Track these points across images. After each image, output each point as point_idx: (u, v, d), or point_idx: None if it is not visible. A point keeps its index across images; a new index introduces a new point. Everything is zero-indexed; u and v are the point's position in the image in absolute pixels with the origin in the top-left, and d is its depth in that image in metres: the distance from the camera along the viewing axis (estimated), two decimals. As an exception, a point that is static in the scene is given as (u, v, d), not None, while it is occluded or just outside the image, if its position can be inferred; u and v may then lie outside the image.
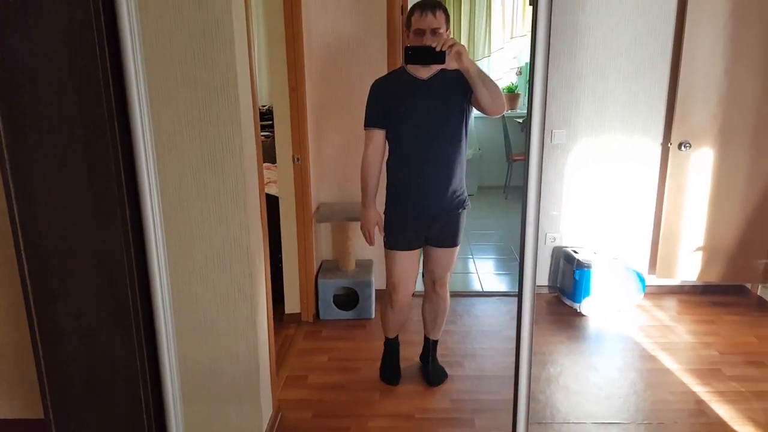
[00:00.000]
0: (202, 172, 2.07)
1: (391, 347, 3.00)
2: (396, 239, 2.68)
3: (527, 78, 7.01)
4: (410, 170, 2.57)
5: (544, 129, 1.17)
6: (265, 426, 2.47)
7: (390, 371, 2.98)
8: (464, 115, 2.54)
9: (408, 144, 2.54)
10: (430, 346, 3.01)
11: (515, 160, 6.58)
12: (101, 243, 1.59)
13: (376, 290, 3.70)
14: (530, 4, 5.72)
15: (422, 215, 2.63)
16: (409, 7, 2.59)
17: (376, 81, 2.62)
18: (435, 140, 2.51)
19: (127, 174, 1.57)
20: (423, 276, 2.94)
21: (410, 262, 2.72)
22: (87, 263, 1.62)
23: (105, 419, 1.67)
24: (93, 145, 1.53)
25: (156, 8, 1.90)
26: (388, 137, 2.60)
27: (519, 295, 1.23)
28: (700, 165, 3.63)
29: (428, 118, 2.50)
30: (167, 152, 2.03)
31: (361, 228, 2.74)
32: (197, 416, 2.39)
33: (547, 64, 1.11)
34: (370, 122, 2.59)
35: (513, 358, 3.23)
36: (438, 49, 2.26)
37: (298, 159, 3.42)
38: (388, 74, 2.72)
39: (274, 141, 3.53)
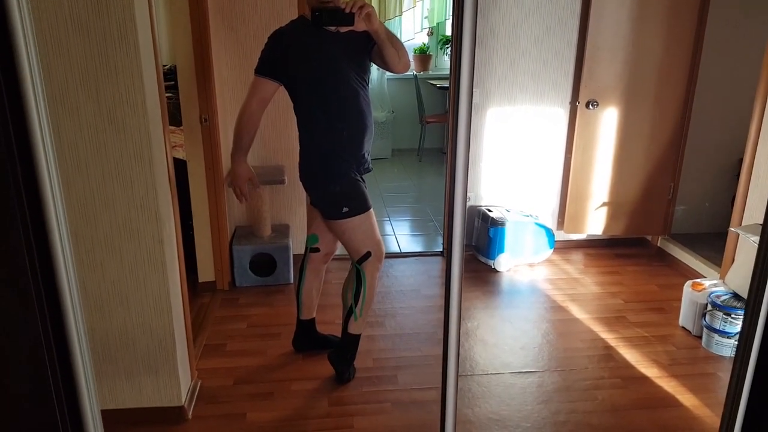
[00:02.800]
0: (101, 129, 1.90)
1: None
2: (365, 197, 2.50)
3: (438, 38, 7.02)
4: (349, 126, 2.43)
5: (471, 96, 1.13)
6: (184, 396, 2.38)
7: None
8: (369, 68, 2.53)
9: (339, 98, 2.40)
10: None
11: (428, 123, 6.61)
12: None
13: (293, 255, 3.62)
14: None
15: (367, 169, 2.55)
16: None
17: (277, 31, 2.42)
18: (359, 93, 2.43)
19: (16, 131, 1.39)
20: (306, 251, 2.75)
21: None
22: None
23: (6, 399, 1.52)
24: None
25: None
26: (306, 94, 2.42)
27: (448, 259, 1.20)
28: (606, 123, 3.78)
29: (350, 70, 2.41)
30: (59, 107, 1.84)
31: (232, 184, 2.53)
32: (111, 391, 2.26)
33: (475, 25, 1.06)
34: (264, 70, 2.38)
35: (431, 316, 3.28)
36: (347, 11, 2.21)
37: (206, 120, 3.24)
38: (289, 25, 2.46)
39: (178, 102, 3.32)
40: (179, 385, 2.34)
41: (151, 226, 2.07)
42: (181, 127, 3.42)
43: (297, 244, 3.75)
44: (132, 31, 1.79)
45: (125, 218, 2.05)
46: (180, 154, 3.50)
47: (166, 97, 2.26)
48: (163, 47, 5.28)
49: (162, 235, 2.10)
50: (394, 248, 4.26)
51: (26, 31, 1.30)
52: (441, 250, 4.15)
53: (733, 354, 2.79)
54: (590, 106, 3.74)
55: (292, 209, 3.81)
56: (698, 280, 3.05)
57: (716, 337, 2.83)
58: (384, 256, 2.59)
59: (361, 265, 2.53)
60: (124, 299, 2.15)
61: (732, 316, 2.75)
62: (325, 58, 2.38)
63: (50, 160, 1.48)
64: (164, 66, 5.27)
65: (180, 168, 3.27)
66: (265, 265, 3.59)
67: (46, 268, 1.64)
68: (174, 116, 4.17)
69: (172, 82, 4.09)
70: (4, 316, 1.57)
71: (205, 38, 3.12)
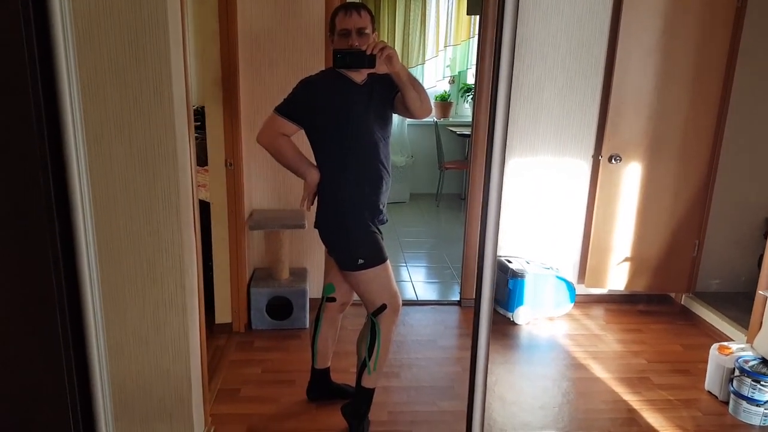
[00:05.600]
0: (131, 176, 1.92)
1: None
2: (381, 249, 2.46)
3: (459, 86, 7.11)
4: (365, 178, 2.42)
5: (505, 143, 1.14)
6: (196, 446, 2.33)
7: None
8: (391, 122, 2.53)
9: (357, 151, 2.40)
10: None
11: (447, 169, 6.63)
12: (25, 255, 1.43)
13: (310, 299, 3.60)
14: (468, 14, 5.71)
15: (382, 221, 2.53)
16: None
17: (307, 79, 2.43)
18: (379, 146, 2.44)
19: (55, 179, 1.41)
20: (322, 300, 2.72)
21: None
22: (7, 276, 1.45)
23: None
24: (15, 150, 1.36)
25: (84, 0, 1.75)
26: (326, 144, 2.42)
27: (475, 317, 1.19)
28: (629, 178, 3.76)
29: (372, 123, 2.42)
30: (93, 154, 1.87)
31: (305, 191, 2.47)
32: (122, 438, 2.23)
33: (512, 72, 1.07)
34: (286, 112, 2.36)
35: (448, 369, 3.22)
36: (368, 53, 2.20)
37: (230, 164, 3.28)
38: (318, 75, 2.49)
39: (204, 142, 3.37)
40: (193, 431, 2.30)
41: (174, 270, 2.07)
42: (206, 167, 3.46)
43: (314, 288, 3.74)
44: (167, 82, 1.83)
45: (150, 262, 2.05)
46: (203, 195, 3.54)
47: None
48: (193, 88, 5.38)
49: (184, 279, 2.10)
50: (411, 295, 4.22)
51: (71, 80, 1.34)
52: (458, 299, 4.10)
53: (762, 423, 2.70)
54: (613, 160, 3.73)
55: (310, 253, 3.81)
56: (725, 343, 2.97)
57: (744, 404, 2.73)
58: (401, 308, 2.55)
59: (376, 317, 2.49)
60: (143, 343, 2.14)
61: (761, 383, 2.67)
62: (349, 110, 2.38)
63: (86, 205, 1.49)
64: (192, 107, 5.36)
65: (203, 209, 3.30)
66: (281, 308, 3.57)
67: (74, 315, 1.64)
68: (200, 156, 4.23)
69: (199, 123, 4.16)
70: (31, 361, 1.57)
71: (234, 85, 3.18)
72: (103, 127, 1.86)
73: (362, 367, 2.56)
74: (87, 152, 1.86)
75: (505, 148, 1.11)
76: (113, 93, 1.82)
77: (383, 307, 2.47)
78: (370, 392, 2.61)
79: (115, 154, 1.89)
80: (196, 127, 4.15)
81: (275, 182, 3.68)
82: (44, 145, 1.40)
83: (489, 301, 1.15)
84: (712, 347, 2.96)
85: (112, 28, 1.78)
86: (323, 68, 3.41)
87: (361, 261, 2.42)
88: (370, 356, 2.51)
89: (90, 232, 1.62)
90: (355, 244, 2.44)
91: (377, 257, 2.45)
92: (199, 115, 4.32)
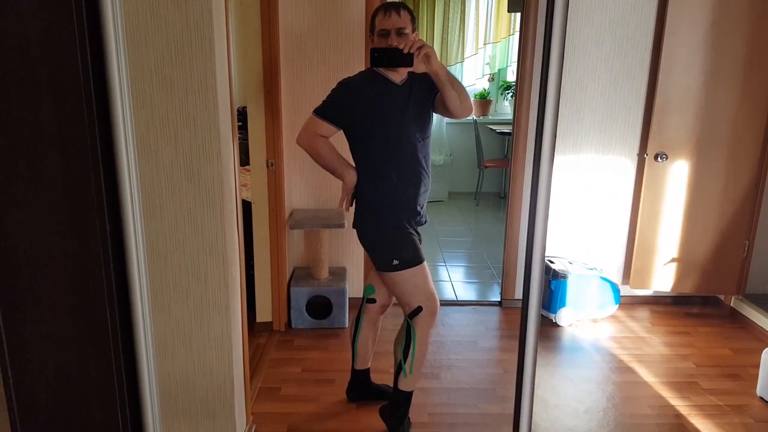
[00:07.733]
0: (176, 176, 1.96)
1: None
2: (417, 250, 2.46)
3: (499, 84, 7.03)
4: (402, 179, 2.42)
5: (554, 143, 1.11)
6: (238, 443, 2.36)
7: None
8: (430, 123, 2.51)
9: (395, 152, 2.40)
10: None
11: (487, 167, 6.57)
12: (77, 254, 1.47)
13: (349, 298, 3.61)
14: (509, 11, 5.63)
15: (420, 222, 2.53)
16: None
17: (346, 80, 2.42)
18: (418, 147, 2.43)
19: (106, 180, 1.45)
20: (362, 301, 2.72)
21: None
22: (61, 276, 1.50)
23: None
24: (70, 151, 1.40)
25: (131, 4, 1.79)
26: (364, 145, 2.42)
27: (522, 322, 1.17)
28: (676, 177, 3.66)
29: (411, 123, 2.41)
30: (141, 156, 1.91)
31: (343, 191, 2.48)
32: (167, 434, 2.27)
33: (561, 71, 1.05)
34: (327, 114, 2.36)
35: (489, 371, 3.19)
36: (406, 51, 2.19)
37: (272, 164, 3.32)
38: (357, 75, 2.49)
39: (246, 143, 3.41)
40: (235, 429, 2.32)
41: (218, 269, 2.10)
42: (248, 167, 3.51)
43: (353, 287, 3.75)
44: (212, 85, 1.85)
45: (194, 261, 2.08)
46: (245, 194, 3.58)
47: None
48: (235, 89, 5.46)
49: (227, 278, 2.13)
50: (450, 295, 4.19)
51: (122, 86, 1.37)
52: (499, 300, 4.05)
53: (818, 432, 2.59)
54: (659, 158, 3.63)
55: (349, 253, 3.82)
56: (778, 347, 2.86)
57: (799, 411, 2.63)
58: (438, 311, 2.50)
59: (412, 319, 2.47)
60: (187, 341, 2.17)
61: (817, 390, 2.56)
62: (388, 111, 2.38)
63: (136, 206, 1.53)
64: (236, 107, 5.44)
65: (245, 209, 3.34)
66: (321, 307, 3.59)
67: (123, 315, 1.68)
68: (241, 156, 4.29)
69: (241, 123, 4.23)
70: (82, 361, 1.62)
71: (276, 85, 3.21)
72: (150, 130, 1.89)
73: (398, 369, 2.55)
74: (136, 154, 1.90)
75: (554, 149, 1.09)
76: (160, 96, 1.86)
77: (419, 309, 2.45)
78: (408, 395, 2.59)
79: (161, 156, 1.93)
80: (239, 128, 4.22)
81: (315, 182, 3.70)
82: (96, 148, 1.44)
83: (536, 309, 1.13)
84: (764, 351, 2.85)
85: (159, 34, 1.82)
86: (363, 68, 3.43)
87: (396, 262, 2.41)
88: (405, 359, 2.50)
89: (140, 232, 1.66)
90: (389, 244, 2.43)
91: (413, 258, 2.43)
92: (242, 115, 4.39)
